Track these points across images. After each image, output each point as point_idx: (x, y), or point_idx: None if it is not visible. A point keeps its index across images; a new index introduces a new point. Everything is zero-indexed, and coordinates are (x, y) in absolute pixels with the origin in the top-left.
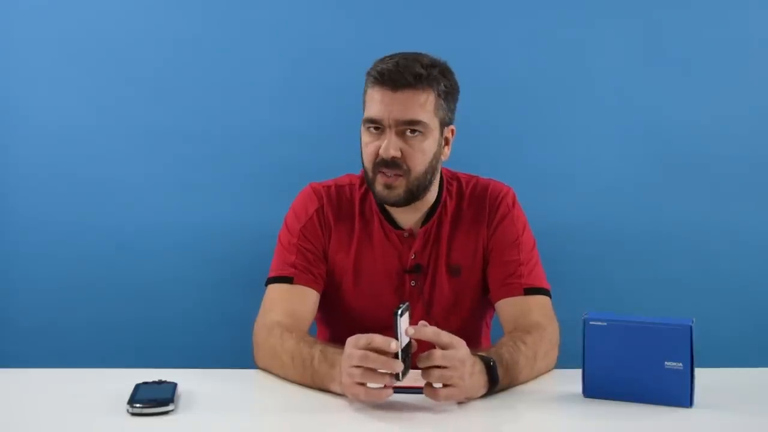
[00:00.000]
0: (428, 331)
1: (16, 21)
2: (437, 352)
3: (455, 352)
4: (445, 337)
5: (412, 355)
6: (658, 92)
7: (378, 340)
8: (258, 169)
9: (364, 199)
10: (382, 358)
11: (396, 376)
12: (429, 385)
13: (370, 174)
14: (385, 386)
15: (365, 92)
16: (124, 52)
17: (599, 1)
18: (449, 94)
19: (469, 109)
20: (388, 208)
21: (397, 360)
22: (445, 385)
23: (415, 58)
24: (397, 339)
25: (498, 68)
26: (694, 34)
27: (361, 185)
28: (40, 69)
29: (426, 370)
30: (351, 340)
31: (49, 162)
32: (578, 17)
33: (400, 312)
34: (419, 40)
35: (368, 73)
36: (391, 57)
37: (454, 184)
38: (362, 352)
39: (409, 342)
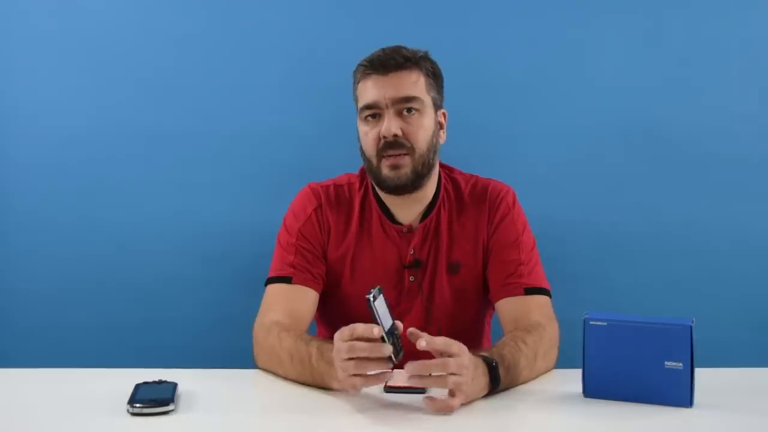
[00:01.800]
0: (439, 341)
1: (16, 21)
2: (451, 361)
3: (461, 359)
4: (454, 346)
5: (400, 337)
6: (658, 92)
7: (360, 329)
8: (258, 169)
9: (363, 198)
10: (369, 345)
11: (389, 359)
12: (430, 398)
13: (374, 162)
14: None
15: (356, 88)
16: (124, 53)
17: (599, 1)
18: (436, 76)
19: (470, 108)
20: (387, 203)
21: (384, 343)
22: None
23: (398, 46)
24: (377, 324)
25: (498, 68)
26: (694, 33)
27: (360, 185)
28: (41, 69)
29: (440, 378)
30: (337, 335)
31: (50, 162)
32: (578, 17)
33: (372, 297)
34: (419, 40)
35: (355, 70)
36: (373, 52)
37: (452, 180)
38: (348, 343)
39: (393, 324)
